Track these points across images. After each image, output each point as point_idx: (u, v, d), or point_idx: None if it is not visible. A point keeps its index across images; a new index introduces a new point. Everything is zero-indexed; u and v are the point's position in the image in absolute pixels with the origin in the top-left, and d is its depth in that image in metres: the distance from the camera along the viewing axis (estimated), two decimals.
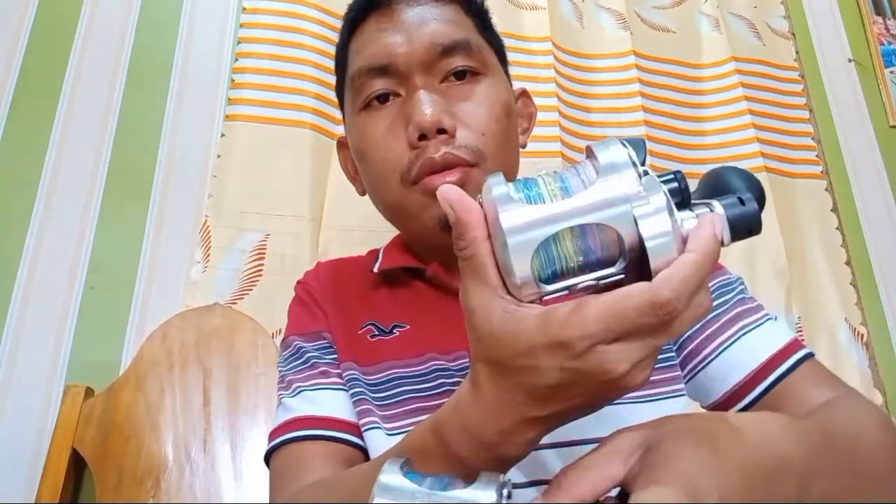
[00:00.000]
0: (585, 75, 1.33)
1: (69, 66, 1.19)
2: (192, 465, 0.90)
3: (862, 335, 1.19)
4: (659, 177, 0.32)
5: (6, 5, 1.21)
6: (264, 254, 1.09)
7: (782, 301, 1.17)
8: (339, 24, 1.33)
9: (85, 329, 1.03)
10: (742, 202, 0.34)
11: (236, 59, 1.23)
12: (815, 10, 1.54)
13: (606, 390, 0.33)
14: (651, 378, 0.57)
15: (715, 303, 0.62)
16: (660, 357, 0.60)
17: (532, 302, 0.33)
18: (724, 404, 0.59)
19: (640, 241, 0.30)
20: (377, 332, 0.64)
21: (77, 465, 0.92)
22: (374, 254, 0.75)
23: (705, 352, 0.60)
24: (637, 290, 0.31)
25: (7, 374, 0.99)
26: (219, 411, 0.94)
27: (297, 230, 1.11)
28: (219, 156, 1.16)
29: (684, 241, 0.32)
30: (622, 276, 0.32)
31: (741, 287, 0.65)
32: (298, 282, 0.74)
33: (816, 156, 1.35)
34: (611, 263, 0.32)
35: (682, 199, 0.33)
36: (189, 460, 0.91)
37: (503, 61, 0.70)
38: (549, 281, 0.32)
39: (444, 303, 0.64)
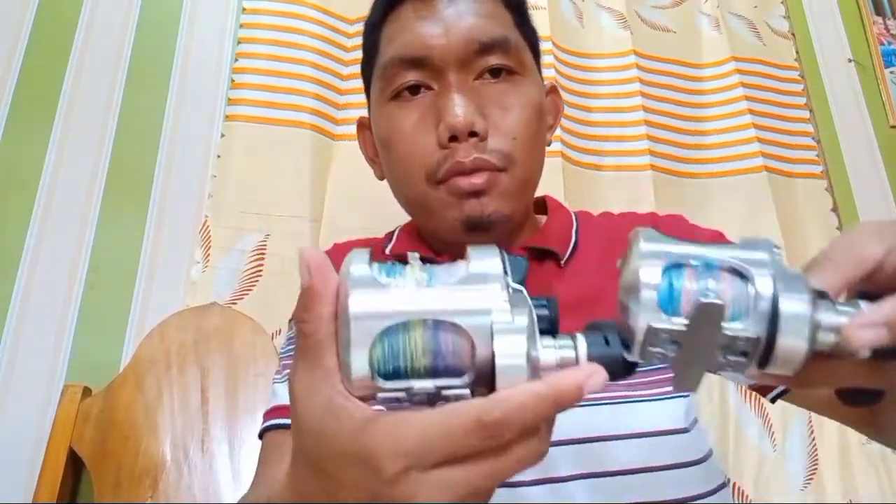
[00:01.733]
0: (585, 75, 1.33)
1: (69, 66, 1.19)
2: (190, 464, 0.90)
3: None
4: (532, 300, 0.30)
5: (6, 5, 1.21)
6: (264, 254, 1.09)
7: None
8: (338, 24, 1.34)
9: (84, 329, 1.03)
10: (607, 342, 0.30)
11: (236, 60, 1.23)
12: (815, 10, 1.54)
13: None
14: (656, 377, 0.58)
15: None
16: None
17: (365, 398, 0.29)
18: (761, 389, 0.61)
19: (493, 356, 0.27)
20: None
21: (75, 464, 0.92)
22: (388, 236, 0.74)
23: None
24: (465, 406, 0.27)
25: (7, 373, 0.99)
26: (217, 411, 0.94)
27: (297, 230, 1.11)
28: (219, 156, 1.16)
29: (537, 370, 0.28)
30: (467, 390, 0.28)
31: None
32: None
33: (816, 156, 1.35)
34: (458, 374, 0.28)
35: (550, 328, 0.30)
36: (187, 460, 0.90)
37: (537, 57, 0.69)
38: (388, 377, 0.28)
39: None
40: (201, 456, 0.91)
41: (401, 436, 0.27)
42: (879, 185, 1.38)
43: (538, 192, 0.71)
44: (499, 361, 0.27)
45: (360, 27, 1.27)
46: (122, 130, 1.17)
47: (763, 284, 0.28)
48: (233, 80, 1.22)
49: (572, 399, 0.28)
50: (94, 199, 1.12)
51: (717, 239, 0.67)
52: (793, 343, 0.28)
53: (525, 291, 0.29)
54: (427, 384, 0.28)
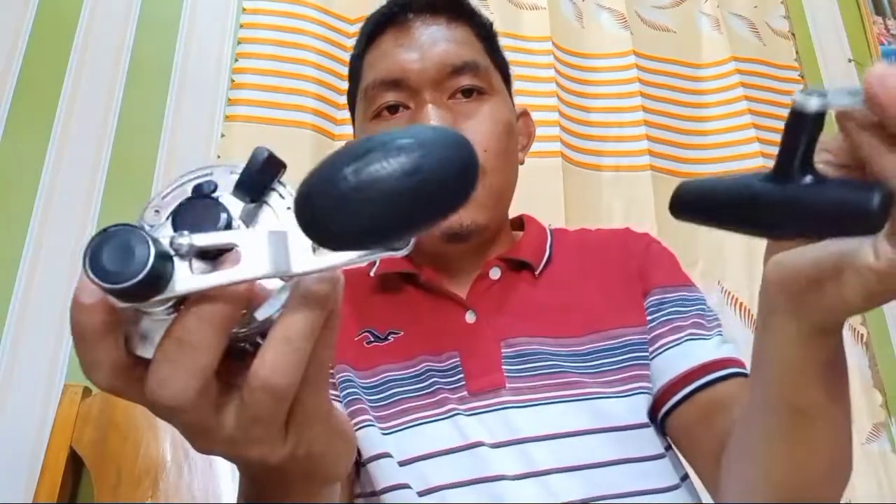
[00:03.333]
0: (585, 75, 1.33)
1: (69, 66, 1.19)
2: (190, 464, 0.90)
3: (862, 335, 1.19)
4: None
5: (6, 5, 1.21)
6: None
7: None
8: (339, 24, 1.34)
9: None
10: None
11: (236, 60, 1.23)
12: (815, 10, 1.54)
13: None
14: (633, 374, 0.61)
15: (672, 309, 0.65)
16: (638, 354, 0.62)
17: None
18: (659, 400, 0.62)
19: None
20: (373, 339, 0.67)
21: (75, 464, 0.92)
22: (371, 263, 0.77)
23: (651, 347, 0.64)
24: None
25: (7, 373, 0.99)
26: None
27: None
28: (219, 156, 1.16)
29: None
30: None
31: (702, 305, 0.67)
32: None
33: None
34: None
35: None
36: (187, 460, 0.90)
37: (507, 83, 0.75)
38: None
39: (435, 307, 0.68)
40: (202, 456, 0.91)
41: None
42: None
43: (517, 211, 0.77)
44: None
45: (360, 27, 1.28)
46: (122, 130, 1.17)
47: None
48: (233, 80, 1.22)
49: None
50: (94, 199, 1.12)
51: (668, 265, 0.72)
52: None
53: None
54: None
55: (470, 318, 0.66)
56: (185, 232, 0.25)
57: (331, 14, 1.28)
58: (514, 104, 0.74)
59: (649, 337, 0.64)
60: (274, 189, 0.30)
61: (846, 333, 1.28)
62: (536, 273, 0.69)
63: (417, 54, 0.67)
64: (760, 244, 1.19)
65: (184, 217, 0.27)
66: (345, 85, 1.24)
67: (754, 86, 1.37)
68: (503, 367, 0.62)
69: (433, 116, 0.64)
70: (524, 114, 0.78)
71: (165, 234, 0.26)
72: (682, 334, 0.63)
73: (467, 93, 0.68)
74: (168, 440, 0.91)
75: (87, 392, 0.96)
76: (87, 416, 0.93)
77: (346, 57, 1.26)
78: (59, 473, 0.88)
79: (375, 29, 0.72)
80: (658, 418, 0.62)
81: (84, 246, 0.24)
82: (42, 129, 1.14)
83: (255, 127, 1.17)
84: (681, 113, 1.33)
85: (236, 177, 0.30)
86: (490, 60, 0.72)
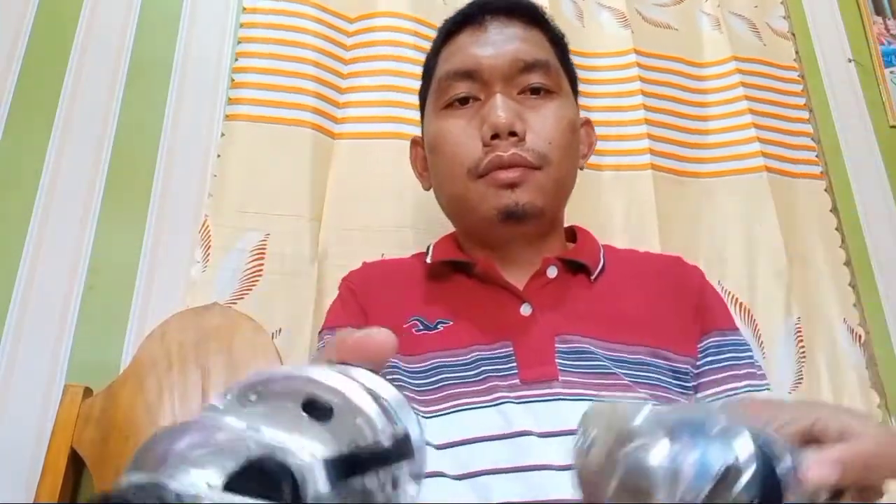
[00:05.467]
0: (586, 74, 1.33)
1: (69, 66, 1.19)
2: None
3: (860, 336, 1.19)
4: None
5: (6, 5, 1.21)
6: (264, 253, 1.09)
7: (782, 301, 1.17)
8: (339, 23, 1.34)
9: (85, 329, 1.03)
10: None
11: (236, 59, 1.23)
12: (815, 10, 1.54)
13: None
14: (675, 396, 0.62)
15: (729, 355, 0.67)
16: (681, 382, 0.63)
17: None
18: None
19: None
20: (422, 328, 0.68)
21: (76, 464, 0.92)
22: (420, 255, 0.79)
23: (714, 390, 0.65)
24: None
25: (6, 373, 0.99)
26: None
27: (298, 230, 1.11)
28: (219, 155, 1.16)
29: None
30: None
31: (751, 353, 0.70)
32: (342, 279, 0.79)
33: (816, 156, 1.35)
34: None
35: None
36: None
37: (575, 91, 0.78)
38: None
39: (488, 296, 0.68)
40: None
41: None
42: (879, 185, 1.38)
43: (568, 222, 0.79)
44: None
45: (360, 26, 1.28)
46: (122, 130, 1.17)
47: (746, 446, 0.30)
48: (233, 80, 1.22)
49: None
50: (94, 199, 1.12)
51: (723, 306, 0.74)
52: (793, 495, 0.30)
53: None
54: None
55: (525, 310, 0.67)
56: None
57: (331, 13, 1.28)
58: (579, 112, 0.77)
59: (704, 379, 0.66)
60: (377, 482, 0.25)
61: (845, 334, 1.27)
62: (592, 278, 0.70)
63: (491, 49, 0.70)
64: (760, 244, 1.19)
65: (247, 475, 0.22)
66: (346, 84, 1.25)
67: (755, 85, 1.37)
68: (556, 360, 0.62)
69: (500, 106, 0.66)
70: (587, 123, 0.81)
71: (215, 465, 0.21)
72: (740, 384, 0.65)
73: (536, 90, 0.70)
74: None
75: (87, 392, 0.96)
76: (88, 416, 0.93)
77: (347, 55, 1.27)
78: (60, 474, 0.88)
79: (453, 27, 0.75)
80: None
81: None
82: (42, 129, 1.14)
83: (255, 126, 1.17)
84: (682, 112, 1.33)
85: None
86: (561, 66, 0.74)
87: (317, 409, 0.24)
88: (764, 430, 0.32)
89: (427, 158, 0.76)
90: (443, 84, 0.72)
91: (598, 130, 1.32)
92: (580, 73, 1.38)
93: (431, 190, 0.78)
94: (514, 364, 0.63)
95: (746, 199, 1.25)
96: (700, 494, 0.29)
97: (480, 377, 0.62)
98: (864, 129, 1.43)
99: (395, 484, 0.25)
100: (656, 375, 0.63)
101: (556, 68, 0.73)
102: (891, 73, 1.50)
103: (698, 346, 0.67)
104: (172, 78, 1.22)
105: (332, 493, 0.23)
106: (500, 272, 0.69)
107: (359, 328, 0.72)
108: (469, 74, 0.70)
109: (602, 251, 0.75)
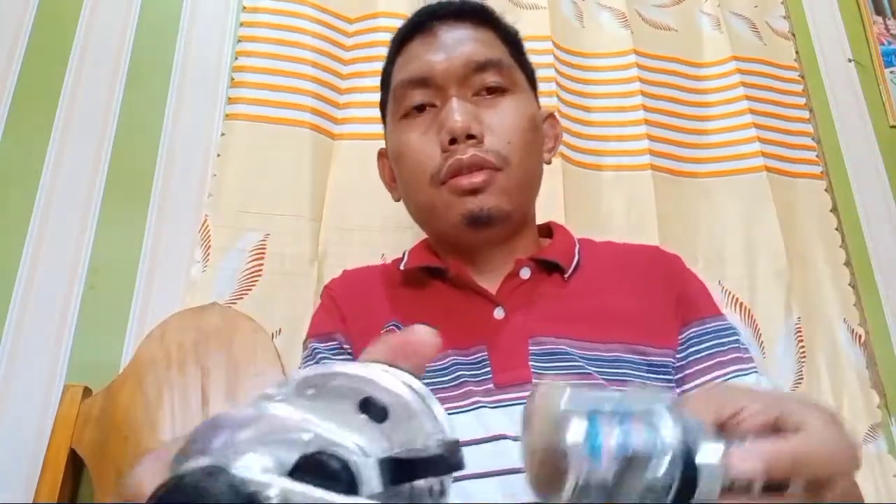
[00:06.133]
0: (585, 75, 1.33)
1: (69, 66, 1.19)
2: None
3: (860, 336, 1.19)
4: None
5: (6, 5, 1.21)
6: (264, 253, 1.09)
7: (782, 301, 1.17)
8: (339, 23, 1.34)
9: (85, 329, 1.03)
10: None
11: (236, 59, 1.23)
12: (815, 10, 1.54)
13: None
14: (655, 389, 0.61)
15: (711, 342, 0.66)
16: (662, 375, 0.63)
17: None
18: None
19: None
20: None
21: (75, 464, 0.92)
22: (397, 260, 0.79)
23: (700, 380, 0.64)
24: None
25: (6, 373, 0.99)
26: (217, 411, 0.94)
27: (297, 230, 1.11)
28: (219, 155, 1.16)
29: None
30: None
31: (736, 336, 0.69)
32: (324, 287, 0.79)
33: (816, 156, 1.35)
34: None
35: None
36: None
37: (533, 86, 0.77)
38: None
39: (462, 301, 0.68)
40: None
41: None
42: (879, 185, 1.38)
43: (543, 219, 0.78)
44: None
45: (360, 26, 1.28)
46: (122, 130, 1.17)
47: (669, 431, 0.31)
48: (233, 79, 1.22)
49: None
50: (94, 199, 1.12)
51: (704, 293, 0.73)
52: (709, 485, 0.31)
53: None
54: None
55: (499, 314, 0.67)
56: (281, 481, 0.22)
57: (331, 13, 1.28)
58: (539, 105, 0.76)
59: (689, 371, 0.65)
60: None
61: (845, 334, 1.27)
62: (566, 276, 0.70)
63: (443, 54, 0.70)
64: (760, 244, 1.19)
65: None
66: (345, 84, 1.25)
67: (755, 85, 1.37)
68: (530, 363, 0.62)
69: (457, 109, 0.66)
70: (550, 116, 0.80)
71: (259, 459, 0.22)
72: (726, 371, 0.64)
73: (491, 90, 0.70)
74: (169, 440, 0.91)
75: (87, 392, 0.96)
76: (88, 416, 0.93)
77: (346, 56, 1.27)
78: (60, 474, 0.88)
79: (404, 37, 0.75)
80: None
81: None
82: (42, 129, 1.14)
83: (255, 126, 1.17)
84: (681, 112, 1.33)
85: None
86: (514, 61, 0.74)
87: (372, 410, 0.25)
88: (691, 417, 0.32)
89: (392, 167, 0.76)
90: (398, 94, 0.72)
91: (598, 131, 1.34)
92: (580, 74, 1.39)
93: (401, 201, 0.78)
94: (489, 368, 0.63)
95: (746, 199, 1.25)
96: (611, 475, 0.30)
97: (456, 382, 0.62)
98: (864, 129, 1.43)
99: (442, 492, 0.26)
100: (633, 372, 0.63)
101: (510, 66, 0.72)
102: (891, 73, 1.50)
103: (679, 337, 0.67)
104: (172, 78, 1.22)
105: (384, 493, 0.23)
106: (472, 277, 0.69)
107: (330, 336, 0.72)
108: (423, 81, 0.70)
109: (577, 247, 0.74)
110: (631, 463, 0.30)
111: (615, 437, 0.31)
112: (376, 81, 1.21)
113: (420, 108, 0.70)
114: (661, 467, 0.30)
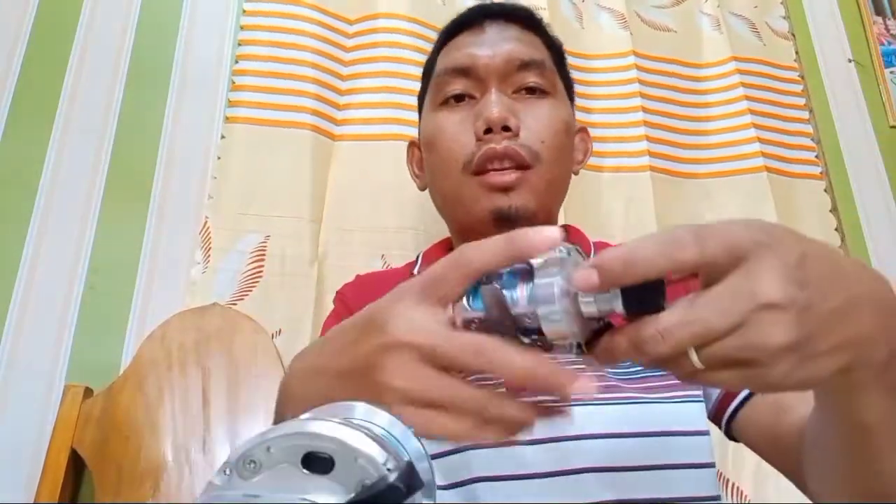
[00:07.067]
0: (585, 76, 1.33)
1: (69, 66, 1.19)
2: (191, 465, 0.90)
3: None
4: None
5: (6, 5, 1.21)
6: (264, 255, 1.09)
7: None
8: (339, 24, 1.34)
9: (85, 329, 1.03)
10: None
11: (236, 61, 1.23)
12: (815, 10, 1.54)
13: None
14: (675, 382, 0.61)
15: None
16: None
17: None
18: (723, 401, 0.63)
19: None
20: None
21: (76, 465, 0.92)
22: (410, 264, 0.80)
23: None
24: (480, 336, 0.35)
25: (6, 373, 0.99)
26: (218, 412, 0.94)
27: (298, 231, 1.11)
28: (219, 157, 1.16)
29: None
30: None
31: None
32: (336, 292, 0.79)
33: (816, 156, 1.35)
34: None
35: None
36: (188, 461, 0.91)
37: (571, 98, 0.79)
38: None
39: None
40: (202, 457, 0.91)
41: (414, 316, 0.34)
42: (879, 185, 1.38)
43: (568, 223, 0.78)
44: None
45: (360, 27, 1.28)
46: (122, 130, 1.17)
47: (541, 275, 0.34)
48: (233, 82, 1.22)
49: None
50: (94, 200, 1.12)
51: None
52: (548, 309, 0.33)
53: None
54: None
55: None
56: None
57: (330, 14, 1.28)
58: (575, 118, 0.78)
59: None
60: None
61: None
62: None
63: (488, 48, 0.71)
64: None
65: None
66: (345, 85, 1.25)
67: (755, 86, 1.37)
68: None
69: (495, 101, 0.67)
70: (583, 130, 0.81)
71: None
72: None
73: (531, 90, 0.71)
74: (169, 441, 0.91)
75: (88, 393, 0.96)
76: (89, 416, 0.93)
77: (346, 57, 1.27)
78: (61, 474, 0.88)
79: (452, 30, 0.76)
80: (723, 422, 0.63)
81: None
82: (42, 129, 1.14)
83: (255, 128, 1.17)
84: (681, 113, 1.33)
85: None
86: (556, 69, 0.75)
87: (315, 463, 0.25)
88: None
89: (423, 158, 0.77)
90: (439, 81, 0.73)
91: (597, 132, 1.34)
92: (579, 75, 1.39)
93: (427, 190, 0.79)
94: None
95: (746, 199, 1.25)
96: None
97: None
98: (864, 129, 1.43)
99: None
100: (649, 371, 0.63)
101: (552, 70, 0.74)
102: (891, 73, 1.50)
103: None
104: (172, 79, 1.22)
105: None
106: None
107: None
108: (465, 71, 0.71)
109: (593, 250, 0.75)
110: (490, 297, 0.35)
111: (494, 284, 0.35)
112: (377, 82, 1.23)
113: (459, 98, 0.71)
114: (525, 305, 0.34)
